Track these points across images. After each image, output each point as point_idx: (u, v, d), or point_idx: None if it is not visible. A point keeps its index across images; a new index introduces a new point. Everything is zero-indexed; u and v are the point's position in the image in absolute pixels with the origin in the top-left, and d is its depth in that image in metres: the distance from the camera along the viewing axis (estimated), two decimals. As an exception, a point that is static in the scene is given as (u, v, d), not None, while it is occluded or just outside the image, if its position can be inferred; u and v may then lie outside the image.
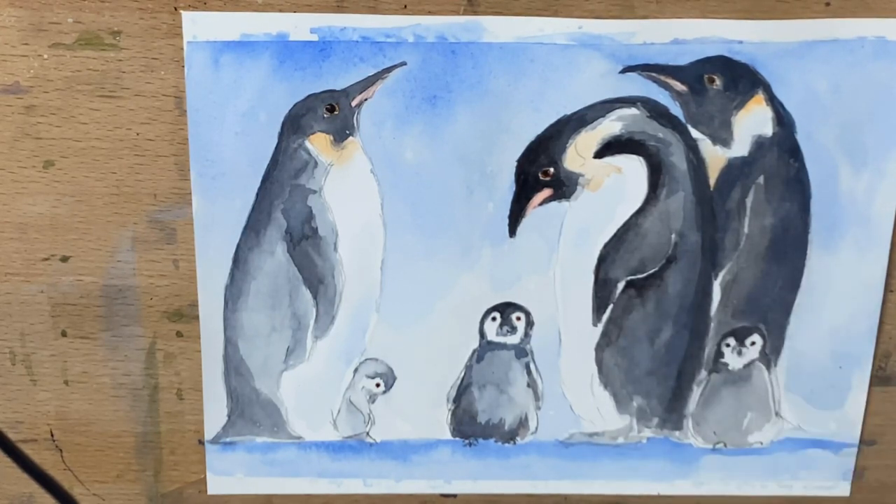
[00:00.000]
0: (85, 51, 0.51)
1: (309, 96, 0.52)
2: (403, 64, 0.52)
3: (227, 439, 0.58)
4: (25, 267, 0.55)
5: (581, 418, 0.58)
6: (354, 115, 0.52)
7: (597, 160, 0.53)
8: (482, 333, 0.57)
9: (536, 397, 0.58)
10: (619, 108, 0.53)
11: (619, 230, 0.55)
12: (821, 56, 0.52)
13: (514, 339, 0.57)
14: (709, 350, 0.57)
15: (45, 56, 0.51)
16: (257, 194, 0.54)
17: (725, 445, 0.59)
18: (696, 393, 0.58)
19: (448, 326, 0.56)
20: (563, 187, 0.54)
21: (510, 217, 0.54)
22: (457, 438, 0.59)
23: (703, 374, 0.57)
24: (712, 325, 0.56)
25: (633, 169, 0.54)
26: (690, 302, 0.56)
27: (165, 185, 0.53)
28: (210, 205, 0.54)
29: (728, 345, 0.57)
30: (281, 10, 0.50)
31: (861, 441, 0.59)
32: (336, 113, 0.52)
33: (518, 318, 0.56)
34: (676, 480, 0.60)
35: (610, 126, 0.53)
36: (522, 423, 0.58)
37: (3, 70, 0.51)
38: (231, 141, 0.53)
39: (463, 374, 0.57)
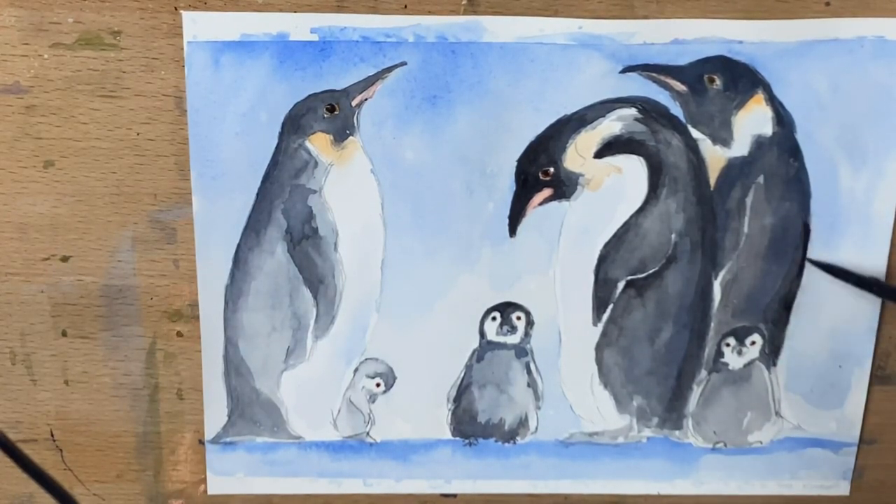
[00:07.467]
0: (85, 51, 0.51)
1: (309, 96, 0.52)
2: (404, 64, 0.52)
3: (228, 439, 0.58)
4: (25, 267, 0.55)
5: (581, 418, 0.58)
6: (355, 114, 0.52)
7: (597, 160, 0.54)
8: (482, 333, 0.57)
9: (536, 397, 0.58)
10: (619, 108, 0.53)
11: (619, 230, 0.55)
12: (820, 56, 0.52)
13: (514, 339, 0.57)
14: (709, 350, 0.57)
15: (46, 56, 0.51)
16: (257, 194, 0.54)
17: (725, 445, 0.59)
18: (696, 392, 0.58)
19: (448, 326, 0.56)
20: (564, 187, 0.54)
21: (510, 217, 0.54)
22: (457, 438, 0.59)
23: (703, 373, 0.57)
24: (712, 324, 0.56)
25: (633, 169, 0.54)
26: (690, 301, 0.56)
27: (165, 185, 0.53)
28: (210, 205, 0.54)
29: (728, 344, 0.57)
30: (281, 10, 0.51)
31: (861, 440, 0.59)
32: (336, 113, 0.52)
33: (518, 318, 0.56)
34: (676, 480, 0.60)
35: (610, 126, 0.53)
36: (522, 422, 0.58)
37: (4, 70, 0.51)
38: (231, 141, 0.53)
39: (463, 373, 0.57)
